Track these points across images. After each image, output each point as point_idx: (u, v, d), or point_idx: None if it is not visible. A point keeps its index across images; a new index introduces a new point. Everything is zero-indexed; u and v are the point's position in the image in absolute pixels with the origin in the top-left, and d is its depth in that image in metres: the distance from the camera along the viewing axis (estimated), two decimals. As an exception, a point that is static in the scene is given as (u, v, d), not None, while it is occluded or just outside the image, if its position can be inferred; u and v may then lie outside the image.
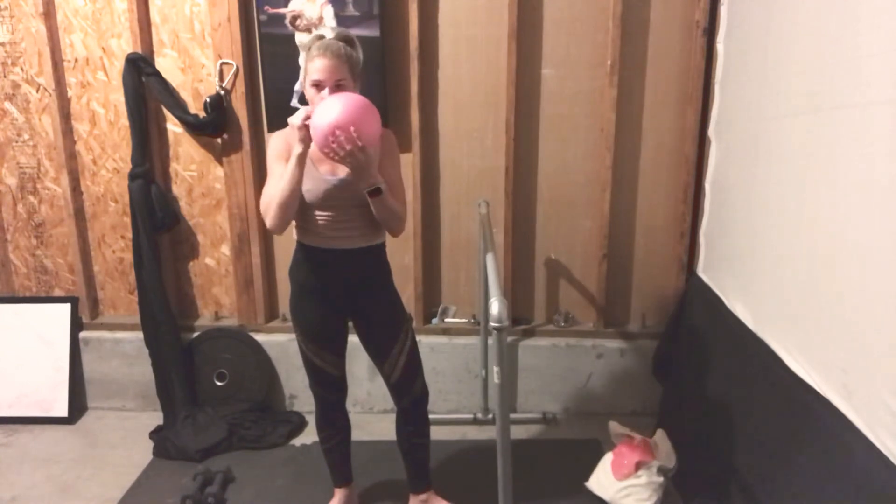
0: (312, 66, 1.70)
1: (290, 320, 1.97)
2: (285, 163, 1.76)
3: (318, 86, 1.70)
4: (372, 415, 2.90)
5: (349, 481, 2.19)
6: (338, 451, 2.12)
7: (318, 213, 1.82)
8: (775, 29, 1.94)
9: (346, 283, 1.89)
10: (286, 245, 2.91)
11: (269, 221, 1.77)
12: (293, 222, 1.86)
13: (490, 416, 2.81)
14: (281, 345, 2.91)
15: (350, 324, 1.99)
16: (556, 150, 2.74)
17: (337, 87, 1.71)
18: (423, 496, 2.17)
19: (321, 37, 1.75)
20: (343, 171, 1.78)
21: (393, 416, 2.10)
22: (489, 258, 1.82)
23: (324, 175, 1.80)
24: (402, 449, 2.12)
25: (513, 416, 2.82)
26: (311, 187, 1.78)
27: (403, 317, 1.99)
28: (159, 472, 2.49)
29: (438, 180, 2.80)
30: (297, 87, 2.63)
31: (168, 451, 2.58)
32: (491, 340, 2.71)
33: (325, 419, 2.07)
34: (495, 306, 1.48)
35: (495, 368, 1.53)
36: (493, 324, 1.49)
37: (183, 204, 2.89)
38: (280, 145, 1.82)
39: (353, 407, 2.94)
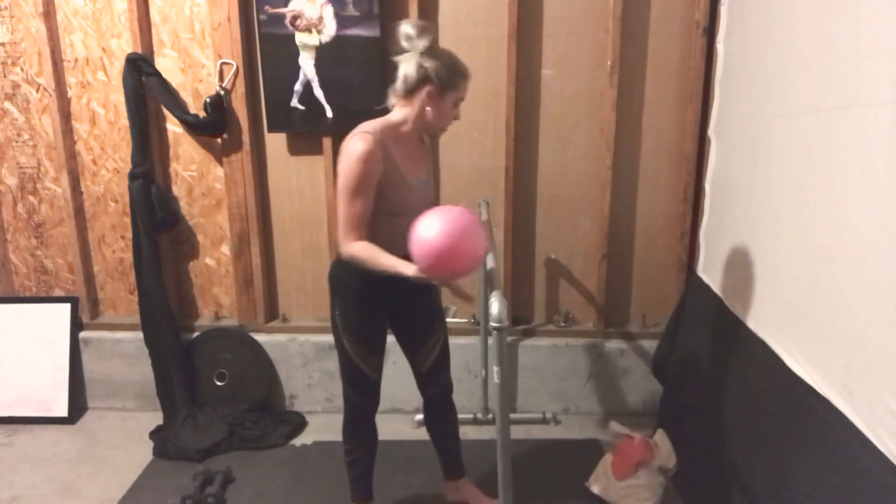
0: (464, 87, 1.74)
1: (341, 324, 1.86)
2: (371, 191, 1.66)
3: (458, 104, 1.76)
4: (372, 415, 2.89)
5: (369, 500, 2.11)
6: (362, 463, 2.06)
7: (398, 219, 1.74)
8: (775, 29, 1.94)
9: (402, 284, 1.77)
10: (286, 245, 2.91)
11: (349, 259, 1.70)
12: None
13: (490, 416, 2.81)
14: (281, 345, 2.91)
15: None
16: (556, 150, 2.74)
17: None
18: (456, 483, 2.21)
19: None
20: (424, 174, 1.82)
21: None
22: (489, 258, 1.82)
23: (411, 182, 1.76)
24: (435, 438, 2.15)
25: (513, 416, 2.83)
26: (402, 195, 1.73)
27: (441, 313, 2.03)
28: (159, 472, 2.49)
29: (438, 180, 2.80)
30: (297, 86, 2.63)
31: (168, 451, 2.58)
32: (491, 340, 2.73)
33: (356, 428, 2.01)
34: (495, 306, 1.48)
35: (495, 368, 1.53)
36: (493, 324, 1.49)
37: (183, 204, 2.89)
38: (372, 167, 1.65)
39: (353, 407, 2.94)
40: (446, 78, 1.68)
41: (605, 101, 2.65)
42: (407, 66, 1.68)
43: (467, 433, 2.76)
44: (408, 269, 1.57)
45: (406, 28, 1.66)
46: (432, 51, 1.68)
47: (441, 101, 1.70)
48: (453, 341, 2.82)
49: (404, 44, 1.68)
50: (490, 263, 1.77)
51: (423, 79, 1.68)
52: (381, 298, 1.85)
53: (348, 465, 2.07)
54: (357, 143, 1.64)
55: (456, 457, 2.19)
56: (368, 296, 1.83)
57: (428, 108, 1.71)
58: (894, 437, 1.29)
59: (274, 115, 2.69)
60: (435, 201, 1.86)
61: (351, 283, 1.83)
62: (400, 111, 1.75)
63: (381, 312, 1.91)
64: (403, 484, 2.37)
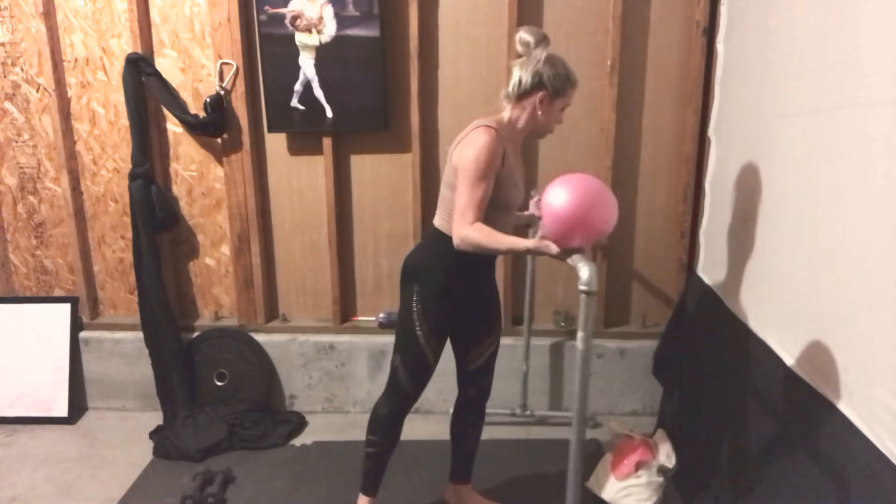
0: (572, 95, 1.79)
1: (419, 311, 1.86)
2: (493, 180, 1.71)
3: (564, 108, 1.81)
4: (372, 415, 2.89)
5: (376, 493, 2.11)
6: (384, 458, 2.05)
7: (503, 216, 1.82)
8: (775, 29, 1.94)
9: (486, 279, 1.96)
10: (286, 245, 2.91)
11: (461, 242, 1.70)
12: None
13: (528, 412, 2.82)
14: (281, 345, 2.91)
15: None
16: (556, 150, 2.74)
17: None
18: (461, 487, 2.20)
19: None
20: (522, 174, 1.88)
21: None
22: None
23: (517, 180, 1.83)
24: (455, 437, 2.16)
25: (557, 414, 2.87)
26: (512, 193, 1.80)
27: (500, 312, 2.09)
28: (159, 472, 2.49)
29: (438, 180, 2.79)
30: (297, 86, 2.63)
31: (168, 451, 2.58)
32: (534, 341, 2.80)
33: (394, 423, 2.00)
34: (585, 271, 1.43)
35: (580, 334, 1.46)
36: (582, 287, 1.41)
37: (183, 204, 2.89)
38: (495, 157, 1.71)
39: (354, 407, 2.94)
40: (559, 86, 1.76)
41: (605, 101, 2.65)
42: (523, 72, 1.75)
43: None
44: (526, 243, 1.61)
45: (525, 36, 1.74)
46: (549, 59, 1.75)
47: (550, 107, 1.78)
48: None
49: (521, 49, 1.75)
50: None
51: (537, 85, 1.75)
52: (460, 291, 1.89)
53: (370, 455, 2.03)
54: (482, 134, 1.71)
55: (468, 460, 2.20)
56: (450, 286, 1.86)
57: (539, 113, 1.78)
58: (894, 437, 1.29)
59: (274, 115, 2.69)
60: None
61: (436, 271, 1.86)
62: (511, 112, 1.81)
63: (454, 305, 1.92)
64: (403, 484, 2.37)
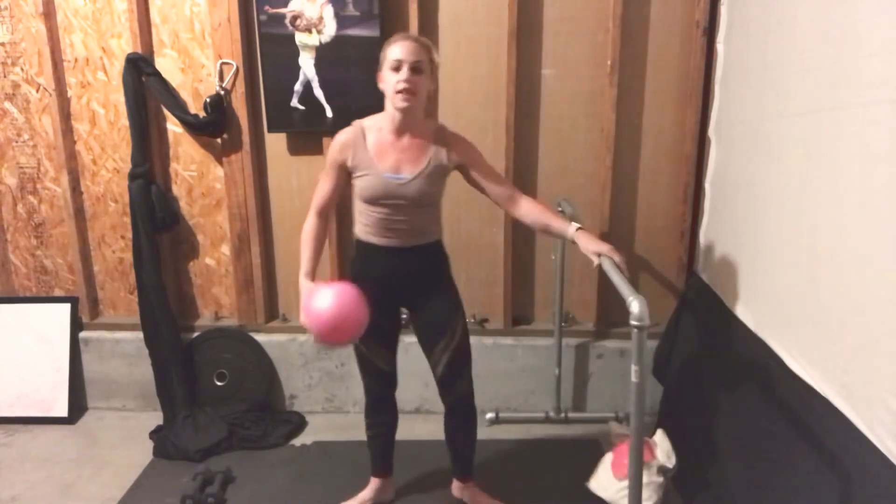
0: (392, 51, 1.73)
1: None
2: (334, 174, 1.88)
3: (398, 67, 1.71)
4: (372, 415, 2.89)
5: (387, 473, 2.20)
6: (381, 440, 2.14)
7: (374, 209, 1.83)
8: (775, 29, 1.94)
9: (401, 278, 1.92)
10: (286, 245, 2.91)
11: None
12: (355, 216, 1.93)
13: (562, 414, 2.83)
14: (281, 345, 2.91)
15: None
16: (556, 150, 2.74)
17: (413, 70, 1.72)
18: (461, 485, 2.22)
19: None
20: (407, 171, 1.82)
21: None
22: (605, 260, 1.82)
23: (384, 173, 1.81)
24: (448, 440, 2.17)
25: (584, 414, 2.88)
26: (368, 185, 1.80)
27: (455, 315, 1.97)
28: (159, 472, 2.49)
29: (438, 180, 2.79)
30: (297, 86, 2.63)
31: (168, 451, 2.58)
32: (566, 341, 2.79)
33: (373, 408, 2.10)
34: (636, 305, 1.46)
35: (634, 367, 1.49)
36: (634, 322, 1.46)
37: (183, 204, 2.89)
38: (336, 151, 1.86)
39: (354, 407, 2.94)
40: (380, 56, 1.81)
41: (605, 101, 2.65)
42: None
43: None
44: (302, 282, 1.85)
45: None
46: None
47: (383, 75, 1.81)
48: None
49: None
50: (608, 265, 1.79)
51: None
52: (390, 288, 1.90)
53: (369, 439, 2.15)
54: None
55: (465, 461, 2.20)
56: (377, 285, 1.86)
57: (382, 88, 1.82)
58: (894, 437, 1.29)
59: (274, 115, 2.69)
60: (422, 201, 1.87)
61: (354, 270, 1.91)
62: None
63: (392, 304, 1.95)
64: (403, 484, 2.37)
